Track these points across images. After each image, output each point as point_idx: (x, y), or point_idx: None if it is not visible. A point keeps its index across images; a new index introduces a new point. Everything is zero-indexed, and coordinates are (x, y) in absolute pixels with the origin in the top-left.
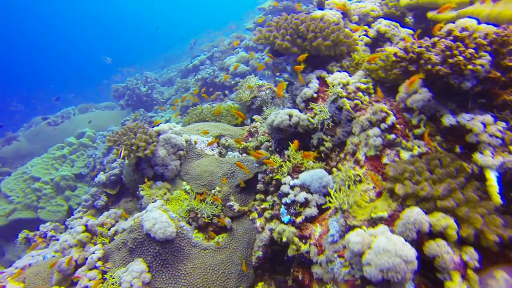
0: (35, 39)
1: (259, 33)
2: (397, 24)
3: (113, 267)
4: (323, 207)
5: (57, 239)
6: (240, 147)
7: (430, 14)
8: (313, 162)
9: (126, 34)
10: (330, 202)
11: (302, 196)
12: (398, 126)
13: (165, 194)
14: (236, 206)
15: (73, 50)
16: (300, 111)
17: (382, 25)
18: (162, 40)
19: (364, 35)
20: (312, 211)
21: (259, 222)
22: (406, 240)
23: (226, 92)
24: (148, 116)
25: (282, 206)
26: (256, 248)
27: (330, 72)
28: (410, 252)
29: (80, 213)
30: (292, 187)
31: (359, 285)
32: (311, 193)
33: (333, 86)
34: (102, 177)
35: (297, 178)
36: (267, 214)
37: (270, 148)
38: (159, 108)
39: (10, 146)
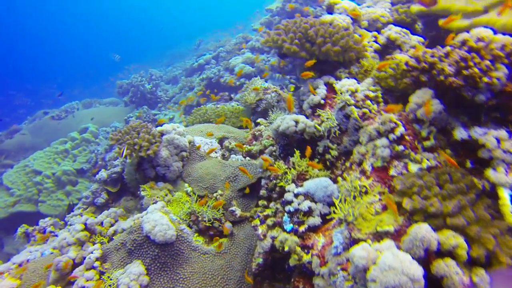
0: (42, 36)
1: (267, 36)
2: (408, 31)
3: (111, 268)
4: (327, 217)
5: (56, 235)
6: (244, 151)
7: (442, 22)
8: (318, 170)
9: (132, 31)
10: (334, 212)
11: (306, 204)
12: (407, 137)
13: (166, 195)
14: (238, 212)
15: (79, 46)
16: (307, 117)
17: (393, 31)
18: (167, 37)
19: (373, 41)
20: (315, 220)
21: (261, 230)
22: (413, 258)
23: (232, 96)
24: (151, 113)
25: (285, 214)
26: (256, 255)
27: (338, 78)
28: (418, 271)
29: (80, 209)
30: (296, 195)
31: None
32: (315, 202)
33: (341, 93)
34: (103, 174)
35: (301, 186)
36: (269, 221)
37: (274, 153)
38: (168, 107)
39: (14, 139)
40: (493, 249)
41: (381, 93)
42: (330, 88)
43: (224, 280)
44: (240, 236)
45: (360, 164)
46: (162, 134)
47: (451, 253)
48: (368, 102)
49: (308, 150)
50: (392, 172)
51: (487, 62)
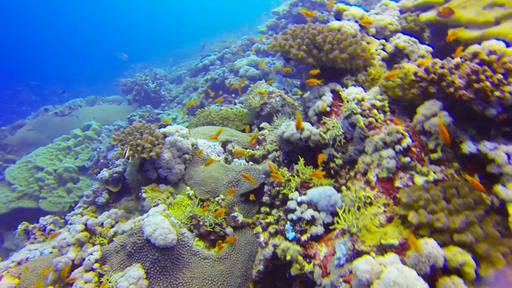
0: (50, 35)
1: (274, 41)
2: (416, 41)
3: (110, 270)
4: (331, 227)
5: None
6: (247, 156)
7: (447, 37)
8: (322, 178)
9: (139, 29)
10: (337, 222)
11: (309, 213)
12: (413, 149)
13: (167, 198)
14: (240, 218)
15: (86, 45)
16: (312, 124)
17: (401, 40)
18: (172, 36)
19: (381, 49)
20: (318, 230)
21: (263, 237)
22: (418, 274)
23: (235, 101)
24: (154, 113)
25: (288, 222)
26: (257, 262)
27: (344, 85)
28: None
29: (81, 208)
30: (299, 204)
31: None
32: (318, 211)
33: (347, 102)
34: (105, 173)
35: (305, 194)
36: (271, 228)
37: (277, 159)
38: (171, 106)
39: (17, 134)
40: (503, 269)
41: (387, 103)
42: (337, 95)
43: (224, 286)
44: (241, 242)
45: (365, 174)
46: (165, 136)
47: (458, 271)
48: (375, 111)
49: (321, 158)
50: (397, 183)
51: (500, 76)
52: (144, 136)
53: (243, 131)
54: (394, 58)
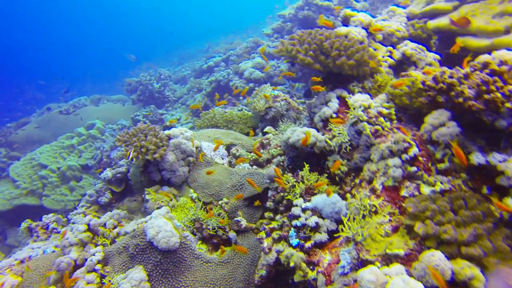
0: (56, 34)
1: (281, 45)
2: (424, 48)
3: (112, 271)
4: (335, 235)
5: (59, 232)
6: (251, 159)
7: (460, 40)
8: (327, 185)
9: (145, 29)
10: (342, 230)
11: (313, 220)
12: (420, 158)
13: (170, 200)
14: (244, 222)
15: (91, 45)
16: (318, 130)
17: (409, 47)
18: (178, 36)
19: (388, 56)
20: (322, 237)
21: (266, 243)
22: (425, 287)
23: (238, 104)
24: (158, 113)
25: (292, 228)
26: (260, 266)
27: (351, 92)
28: None
29: (83, 208)
30: (303, 210)
31: None
32: (323, 218)
33: (354, 109)
34: (108, 173)
35: (309, 200)
36: (275, 234)
37: (282, 164)
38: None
39: (22, 132)
40: None
41: (394, 111)
42: (343, 102)
43: None
44: (243, 246)
45: (370, 182)
46: (169, 138)
47: (466, 284)
48: (381, 119)
49: (337, 165)
50: (403, 192)
51: (511, 87)
52: (149, 138)
53: (248, 134)
54: (401, 65)
